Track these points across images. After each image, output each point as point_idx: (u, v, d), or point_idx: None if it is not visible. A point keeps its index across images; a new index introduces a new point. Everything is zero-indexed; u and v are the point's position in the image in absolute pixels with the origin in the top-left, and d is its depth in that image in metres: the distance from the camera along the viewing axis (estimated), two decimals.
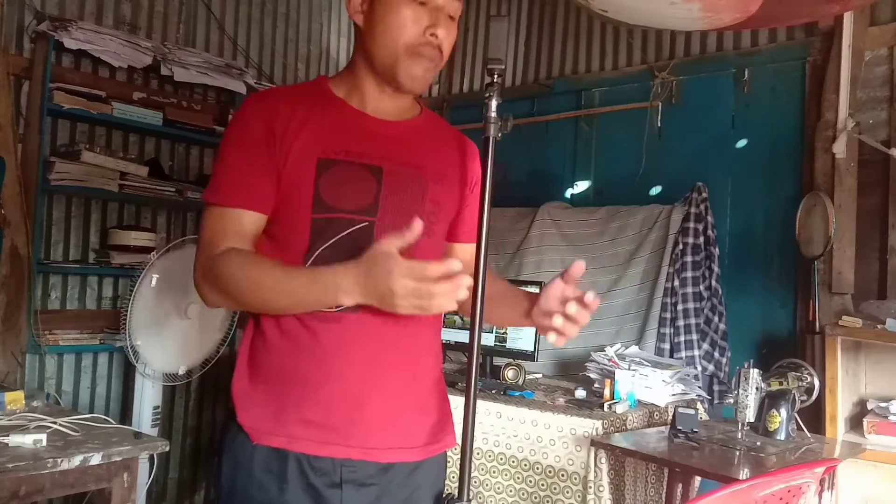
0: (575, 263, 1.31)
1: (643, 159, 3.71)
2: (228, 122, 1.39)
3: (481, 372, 3.06)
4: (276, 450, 1.30)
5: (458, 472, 1.24)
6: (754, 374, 2.52)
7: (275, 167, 1.31)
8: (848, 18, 3.12)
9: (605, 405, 2.74)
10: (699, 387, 3.09)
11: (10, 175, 3.14)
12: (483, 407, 2.75)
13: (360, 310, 1.28)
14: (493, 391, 2.93)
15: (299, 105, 1.34)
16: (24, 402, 2.43)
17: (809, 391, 2.72)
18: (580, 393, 2.91)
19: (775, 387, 2.60)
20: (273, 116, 1.32)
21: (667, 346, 3.29)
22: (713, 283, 3.31)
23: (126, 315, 3.02)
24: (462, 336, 3.28)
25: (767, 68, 3.45)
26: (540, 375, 3.41)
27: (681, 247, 3.30)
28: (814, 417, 2.81)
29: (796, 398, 2.64)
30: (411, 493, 1.39)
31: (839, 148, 3.09)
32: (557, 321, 1.28)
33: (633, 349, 3.20)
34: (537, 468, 2.66)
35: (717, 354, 3.28)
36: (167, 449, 2.29)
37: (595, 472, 2.49)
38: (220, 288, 1.29)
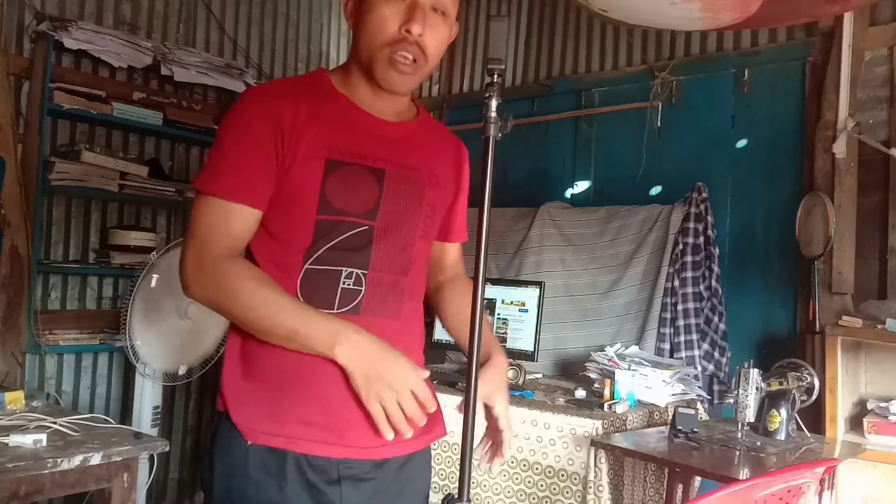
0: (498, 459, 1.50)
1: (643, 159, 3.71)
2: (228, 112, 1.36)
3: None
4: (273, 449, 1.29)
5: (458, 472, 1.24)
6: (754, 374, 2.52)
7: (277, 164, 1.29)
8: (848, 18, 3.12)
9: (605, 405, 2.74)
10: (699, 387, 3.09)
11: (10, 175, 3.14)
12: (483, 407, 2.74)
13: (360, 311, 1.32)
14: None
15: (304, 100, 1.32)
16: (24, 402, 2.43)
17: (809, 391, 2.72)
18: (580, 393, 2.90)
19: (775, 387, 2.60)
20: (280, 112, 1.29)
21: (667, 346, 3.29)
22: (713, 283, 3.31)
23: (126, 315, 3.03)
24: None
25: (767, 68, 3.45)
26: (540, 375, 3.41)
27: (681, 247, 3.30)
28: (814, 417, 2.81)
29: (796, 398, 2.64)
30: (405, 486, 1.41)
31: (839, 148, 3.09)
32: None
33: (633, 349, 3.20)
34: (537, 468, 2.66)
35: (717, 354, 3.28)
36: (167, 449, 2.29)
37: (595, 472, 2.49)
38: (214, 291, 1.27)
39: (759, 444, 2.50)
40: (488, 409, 1.45)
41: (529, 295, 3.25)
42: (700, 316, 3.29)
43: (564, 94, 4.11)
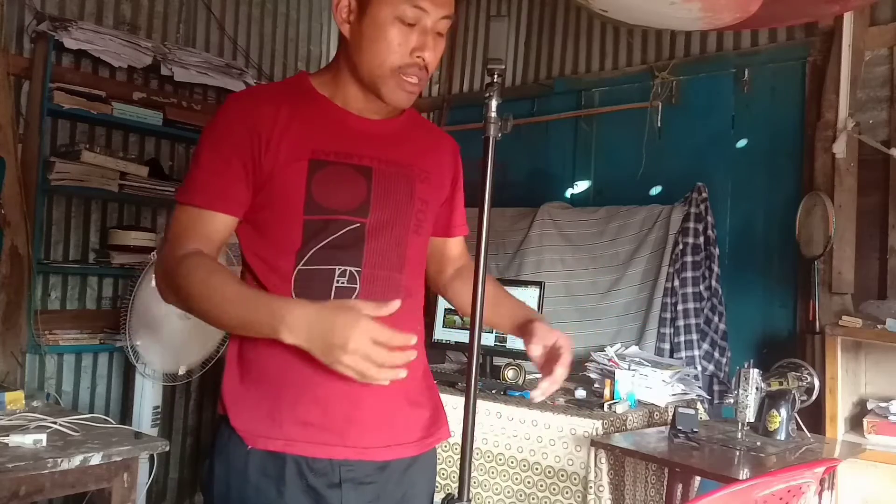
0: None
1: (643, 159, 3.71)
2: (208, 121, 1.37)
3: (481, 372, 3.06)
4: (273, 453, 1.28)
5: (458, 473, 1.24)
6: (754, 374, 2.52)
7: (255, 170, 1.30)
8: (848, 18, 3.12)
9: (605, 405, 2.74)
10: (699, 387, 3.09)
11: (10, 175, 3.14)
12: (483, 407, 2.74)
13: None
14: (493, 391, 2.93)
15: (283, 104, 1.33)
16: (24, 402, 2.43)
17: (809, 391, 2.72)
18: (580, 393, 2.90)
19: (775, 387, 2.60)
20: (256, 118, 1.30)
21: (667, 346, 3.29)
22: (713, 283, 3.31)
23: (126, 315, 3.03)
24: (462, 336, 3.28)
25: (767, 68, 3.45)
26: (540, 375, 3.40)
27: (681, 247, 3.30)
28: (814, 417, 2.81)
29: (796, 398, 2.64)
30: (408, 490, 1.40)
31: (839, 148, 3.09)
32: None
33: (633, 349, 3.20)
34: (537, 468, 2.66)
35: (717, 354, 3.28)
36: (167, 449, 2.29)
37: (595, 472, 2.49)
38: (175, 290, 1.28)
39: (759, 444, 2.50)
40: (550, 337, 1.49)
41: (529, 295, 3.25)
42: (700, 316, 3.29)
43: (564, 94, 4.11)
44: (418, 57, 1.30)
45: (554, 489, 2.61)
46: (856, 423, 2.89)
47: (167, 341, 3.15)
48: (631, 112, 3.81)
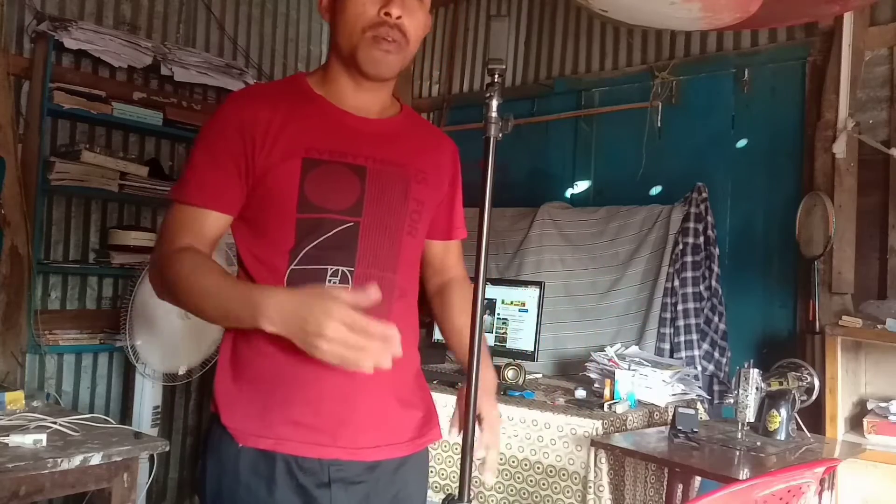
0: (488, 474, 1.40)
1: (643, 159, 3.71)
2: (206, 121, 1.37)
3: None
4: (263, 451, 1.29)
5: (458, 473, 1.24)
6: (754, 374, 2.52)
7: (248, 168, 1.31)
8: (848, 18, 3.12)
9: (605, 405, 2.74)
10: (699, 387, 3.09)
11: (10, 175, 3.14)
12: None
13: None
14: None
15: (279, 104, 1.34)
16: (24, 402, 2.43)
17: (809, 391, 2.72)
18: (580, 393, 2.90)
19: (775, 387, 2.60)
20: (252, 118, 1.31)
21: (667, 346, 3.29)
22: (713, 283, 3.31)
23: (126, 315, 3.03)
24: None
25: (767, 68, 3.45)
26: (540, 375, 3.41)
27: (681, 247, 3.30)
28: (814, 417, 2.81)
29: (796, 398, 2.64)
30: (400, 490, 1.39)
31: (839, 148, 3.09)
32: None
33: (633, 349, 3.20)
34: (537, 468, 2.66)
35: (717, 354, 3.28)
36: (167, 449, 2.29)
37: (595, 471, 2.49)
38: (165, 285, 1.29)
39: (759, 444, 2.50)
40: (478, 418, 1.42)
41: (529, 295, 3.26)
42: (700, 316, 3.29)
43: (564, 94, 4.11)
44: (386, 13, 1.29)
45: (554, 489, 2.61)
46: (856, 423, 2.89)
47: (167, 341, 3.15)
48: (631, 112, 3.81)
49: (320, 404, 1.30)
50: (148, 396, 3.21)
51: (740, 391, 2.53)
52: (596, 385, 2.96)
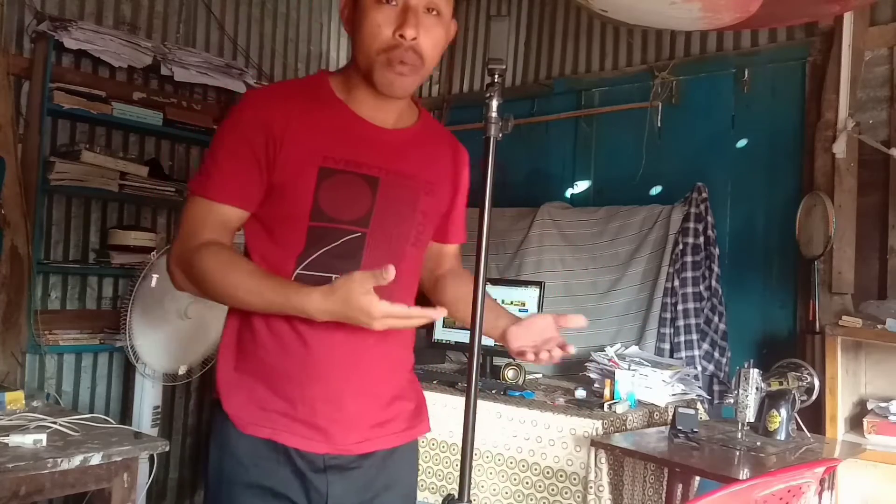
0: (577, 319, 1.40)
1: (643, 159, 3.71)
2: (226, 115, 1.40)
3: (481, 372, 3.06)
4: (263, 439, 1.34)
5: (458, 473, 1.24)
6: (754, 374, 2.52)
7: (268, 166, 1.33)
8: (848, 18, 3.12)
9: (605, 405, 2.74)
10: (699, 387, 3.09)
11: (10, 175, 3.14)
12: (483, 407, 2.74)
13: None
14: (493, 391, 2.93)
15: (299, 105, 1.35)
16: (24, 402, 2.43)
17: (809, 391, 2.72)
18: (580, 393, 2.91)
19: (775, 387, 2.60)
20: (271, 116, 1.32)
21: (667, 346, 3.29)
22: (713, 283, 3.31)
23: (126, 315, 3.02)
24: (462, 336, 3.28)
25: (767, 68, 3.45)
26: (540, 375, 3.41)
27: (681, 247, 3.30)
28: (814, 417, 2.81)
29: (796, 398, 2.64)
30: (391, 476, 1.44)
31: (839, 148, 3.09)
32: (531, 355, 1.41)
33: (633, 349, 3.20)
34: (536, 468, 2.66)
35: (717, 354, 3.28)
36: (167, 449, 2.29)
37: (595, 472, 2.48)
38: (193, 278, 1.32)
39: (759, 444, 2.50)
40: (548, 319, 1.45)
41: (529, 295, 3.25)
42: (700, 316, 3.29)
43: (564, 94, 4.11)
44: (400, 35, 1.29)
45: (553, 489, 2.61)
46: (856, 423, 2.89)
47: (167, 341, 3.15)
48: (631, 112, 3.81)
49: (315, 403, 1.35)
50: (148, 396, 3.20)
51: (740, 391, 2.53)
52: (596, 385, 2.96)
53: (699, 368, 3.22)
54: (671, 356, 3.26)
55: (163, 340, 3.14)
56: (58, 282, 3.52)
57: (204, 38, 4.03)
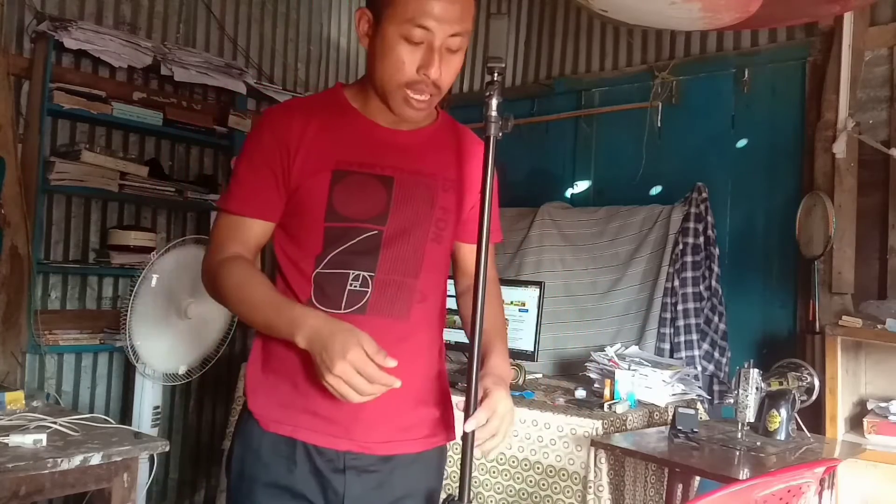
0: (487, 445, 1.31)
1: (643, 159, 3.71)
2: (249, 133, 1.50)
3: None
4: (285, 436, 1.38)
5: (458, 473, 1.24)
6: (754, 374, 2.52)
7: (285, 178, 1.38)
8: (848, 18, 3.12)
9: (605, 405, 2.74)
10: (699, 387, 3.09)
11: (10, 175, 3.14)
12: None
13: (366, 311, 1.38)
14: None
15: (314, 117, 1.40)
16: (24, 402, 2.43)
17: (809, 391, 2.71)
18: (580, 393, 2.90)
19: (775, 387, 2.60)
20: (287, 131, 1.38)
21: (667, 346, 3.29)
22: (713, 283, 3.31)
23: (126, 315, 3.02)
24: (462, 336, 3.27)
25: (767, 68, 3.45)
26: (540, 375, 3.40)
27: (681, 247, 3.30)
28: (814, 417, 2.81)
29: (796, 398, 2.63)
30: (412, 484, 1.45)
31: (839, 148, 3.09)
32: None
33: (633, 349, 3.20)
34: (537, 468, 2.66)
35: (717, 354, 3.27)
36: (167, 449, 2.29)
37: (595, 472, 2.48)
38: (214, 291, 1.40)
39: (759, 444, 2.50)
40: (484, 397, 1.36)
41: (529, 295, 3.25)
42: (700, 316, 3.29)
43: (564, 94, 4.11)
44: (424, 74, 1.32)
45: (554, 489, 2.61)
46: (856, 423, 2.89)
47: (167, 341, 3.15)
48: (631, 112, 3.81)
49: (337, 400, 1.33)
50: (148, 396, 3.20)
51: (740, 391, 2.52)
52: (596, 385, 2.96)
53: (699, 368, 3.21)
54: (671, 356, 3.25)
55: (163, 340, 3.14)
56: (58, 282, 3.52)
57: (204, 38, 4.03)
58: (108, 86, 3.54)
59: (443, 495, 1.33)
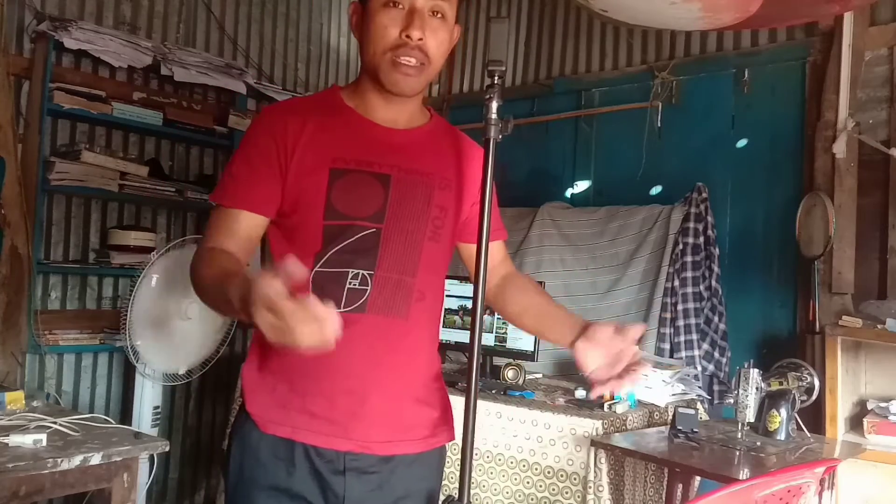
0: (636, 328, 1.33)
1: (643, 159, 3.71)
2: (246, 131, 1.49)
3: (481, 372, 3.06)
4: (283, 438, 1.37)
5: (458, 473, 1.24)
6: (754, 374, 2.52)
7: (282, 175, 1.37)
8: (848, 18, 3.12)
9: (605, 405, 2.74)
10: (699, 387, 3.09)
11: (10, 175, 3.14)
12: (483, 407, 2.74)
13: (366, 309, 1.37)
14: (493, 391, 2.93)
15: (310, 116, 1.40)
16: (24, 402, 2.43)
17: (809, 391, 2.72)
18: (580, 393, 2.90)
19: (775, 387, 2.60)
20: (282, 129, 1.37)
21: (667, 345, 3.29)
22: (713, 283, 3.31)
23: (126, 315, 3.02)
24: (462, 336, 3.28)
25: (767, 68, 3.45)
26: (540, 375, 3.41)
27: (681, 247, 3.30)
28: (814, 417, 2.81)
29: (796, 398, 2.64)
30: (411, 484, 1.44)
31: (839, 148, 3.09)
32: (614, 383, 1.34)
33: None
34: (537, 468, 2.66)
35: (717, 354, 3.28)
36: (167, 449, 2.29)
37: (595, 472, 2.48)
38: (192, 282, 1.35)
39: (759, 444, 2.50)
40: (617, 334, 1.34)
41: None
42: (700, 316, 3.29)
43: (564, 94, 4.11)
44: (407, 36, 1.34)
45: (554, 489, 2.61)
46: (856, 423, 2.89)
47: (167, 341, 3.15)
48: (631, 112, 3.81)
49: (336, 398, 1.36)
50: (148, 396, 3.20)
51: (740, 391, 2.53)
52: None
53: (699, 368, 3.21)
54: (671, 356, 3.25)
55: (163, 340, 3.14)
56: (58, 282, 3.52)
57: (204, 38, 4.03)
58: (108, 86, 3.54)
59: (442, 496, 1.33)
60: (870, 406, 2.87)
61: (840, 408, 2.83)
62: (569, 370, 3.46)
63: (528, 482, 2.67)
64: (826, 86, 3.18)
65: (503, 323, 3.30)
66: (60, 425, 2.18)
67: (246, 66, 4.12)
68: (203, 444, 4.04)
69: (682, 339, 3.26)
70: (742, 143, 3.50)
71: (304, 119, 1.39)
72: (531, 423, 2.69)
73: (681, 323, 3.27)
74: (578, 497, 2.54)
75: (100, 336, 3.52)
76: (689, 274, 3.28)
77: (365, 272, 1.38)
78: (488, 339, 3.27)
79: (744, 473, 2.24)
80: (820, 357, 2.95)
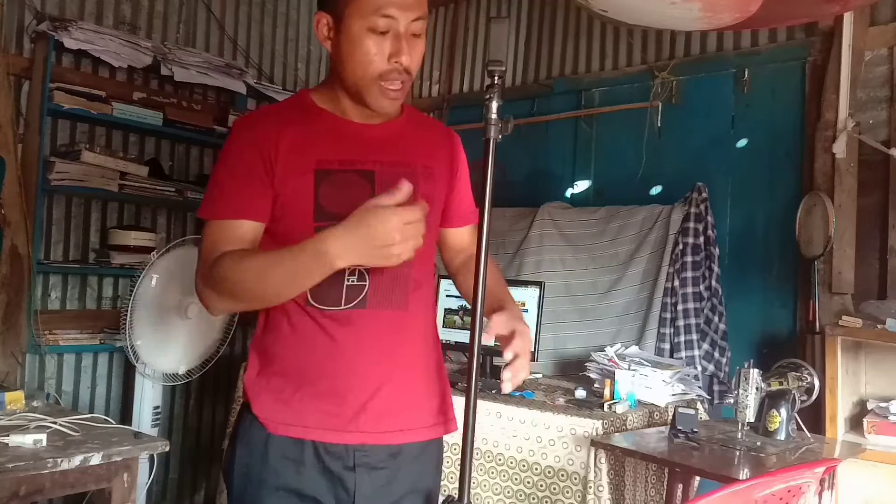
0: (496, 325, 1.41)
1: (643, 159, 3.71)
2: (222, 147, 1.47)
3: (481, 372, 3.06)
4: (293, 438, 1.38)
5: (458, 473, 1.25)
6: (754, 374, 2.52)
7: (270, 180, 1.37)
8: (848, 18, 3.12)
9: (605, 405, 2.74)
10: (699, 387, 3.09)
11: (10, 175, 3.14)
12: (483, 407, 2.74)
13: (367, 304, 1.39)
14: (493, 391, 2.93)
15: (286, 122, 1.41)
16: (24, 402, 2.43)
17: (809, 391, 2.71)
18: (580, 393, 2.90)
19: (775, 387, 2.60)
20: (263, 137, 1.38)
21: (667, 346, 3.29)
22: (713, 283, 3.31)
23: (126, 315, 3.03)
24: (462, 336, 3.28)
25: (767, 68, 3.45)
26: (540, 375, 3.41)
27: (681, 247, 3.30)
28: (814, 417, 2.81)
29: (796, 398, 2.64)
30: (415, 479, 1.47)
31: (839, 148, 3.09)
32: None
33: (633, 349, 3.20)
34: (537, 468, 2.66)
35: (717, 354, 3.28)
36: (167, 449, 2.29)
37: (595, 472, 2.48)
38: (222, 289, 1.34)
39: (759, 444, 2.50)
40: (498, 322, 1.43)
41: (529, 295, 3.25)
42: (700, 316, 3.29)
43: (564, 94, 4.11)
44: (396, 62, 1.35)
45: (554, 489, 2.61)
46: (856, 423, 2.89)
47: (167, 341, 3.15)
48: (631, 112, 3.81)
49: (346, 395, 1.38)
50: (148, 396, 3.21)
51: (740, 391, 2.53)
52: (596, 385, 2.96)
53: (699, 368, 3.21)
54: (671, 356, 3.25)
55: (163, 340, 3.14)
56: (58, 282, 3.52)
57: (204, 38, 4.03)
58: (108, 86, 3.54)
59: (442, 496, 1.34)
60: (870, 406, 2.87)
61: (840, 408, 2.83)
62: (569, 370, 3.46)
63: (528, 482, 2.67)
64: (826, 86, 3.18)
65: None
66: (60, 425, 2.18)
67: (246, 66, 4.13)
68: (203, 444, 4.04)
69: (682, 339, 3.26)
70: (742, 143, 3.50)
71: (280, 126, 1.39)
72: (531, 423, 2.69)
73: (681, 323, 3.27)
74: (578, 497, 2.54)
75: (100, 336, 3.52)
76: (689, 274, 3.28)
77: (361, 267, 1.38)
78: (488, 339, 3.26)
79: (744, 473, 2.24)
80: (820, 357, 2.95)
